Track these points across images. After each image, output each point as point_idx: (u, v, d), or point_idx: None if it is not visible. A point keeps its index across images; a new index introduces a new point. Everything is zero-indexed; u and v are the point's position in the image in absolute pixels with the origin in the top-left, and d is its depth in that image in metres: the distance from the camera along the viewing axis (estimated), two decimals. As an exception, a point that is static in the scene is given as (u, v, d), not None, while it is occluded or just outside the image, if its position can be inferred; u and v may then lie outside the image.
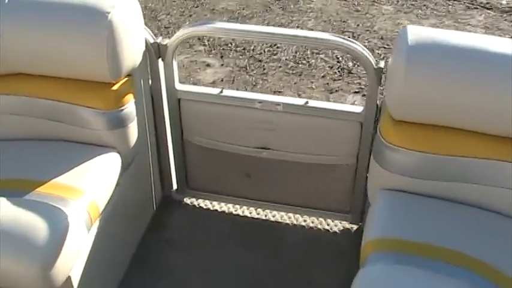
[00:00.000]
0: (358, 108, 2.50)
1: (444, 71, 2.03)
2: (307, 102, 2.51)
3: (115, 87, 2.33)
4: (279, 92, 4.20)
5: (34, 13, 2.27)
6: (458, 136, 2.14)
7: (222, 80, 4.35)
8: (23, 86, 2.38)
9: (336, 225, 2.85)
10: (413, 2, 5.35)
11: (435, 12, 5.20)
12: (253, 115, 2.58)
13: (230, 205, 2.96)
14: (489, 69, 2.01)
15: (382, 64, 2.34)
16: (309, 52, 4.57)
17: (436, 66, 2.03)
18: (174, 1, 5.41)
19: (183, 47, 4.69)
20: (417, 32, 2.09)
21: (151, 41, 2.51)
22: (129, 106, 2.39)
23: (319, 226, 2.85)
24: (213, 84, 4.30)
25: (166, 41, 2.50)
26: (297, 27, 4.96)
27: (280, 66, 4.46)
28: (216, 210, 2.95)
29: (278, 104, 2.52)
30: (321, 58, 4.50)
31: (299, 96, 4.16)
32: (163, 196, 2.97)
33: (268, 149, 2.67)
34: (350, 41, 2.36)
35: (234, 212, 2.93)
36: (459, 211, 2.18)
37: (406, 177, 2.19)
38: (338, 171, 2.66)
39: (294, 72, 4.41)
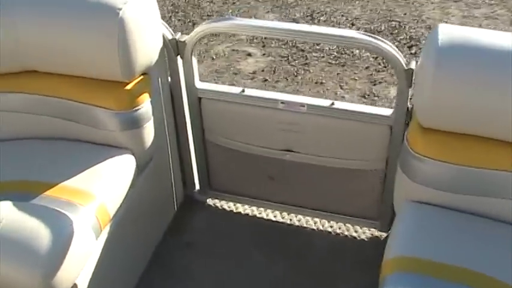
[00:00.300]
0: (388, 111, 2.35)
1: (478, 75, 1.85)
2: (333, 104, 2.38)
3: (129, 87, 2.24)
4: (321, 83, 4.07)
5: (46, 8, 2.19)
6: (492, 147, 1.97)
7: (262, 70, 4.24)
8: (35, 83, 2.31)
9: (364, 232, 2.71)
10: (464, -10, 5.14)
11: (487, 0, 4.97)
12: (277, 116, 2.46)
13: (254, 207, 2.85)
14: None
15: (413, 65, 2.18)
16: (353, 42, 4.42)
17: (469, 70, 1.86)
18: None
19: (225, 36, 4.60)
20: (449, 32, 1.92)
21: (170, 37, 2.41)
22: (145, 106, 2.30)
23: (346, 233, 2.72)
24: (254, 74, 4.20)
25: (184, 38, 2.40)
26: (342, 16, 4.81)
27: (323, 57, 4.32)
28: (240, 212, 2.84)
29: (302, 105, 2.39)
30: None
31: (341, 87, 4.02)
32: (186, 196, 2.88)
33: (293, 151, 2.55)
34: (378, 39, 2.21)
35: (258, 215, 2.82)
36: (489, 228, 2.03)
37: (434, 190, 2.04)
38: (366, 176, 2.52)
39: (336, 62, 4.27)
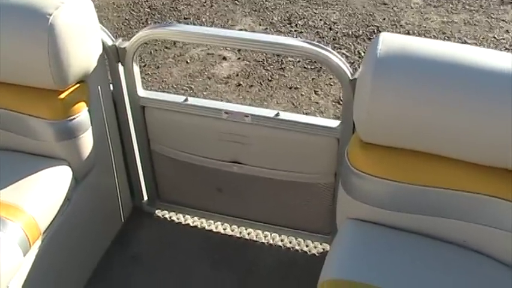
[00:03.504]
0: (334, 123, 2.25)
1: (417, 87, 1.73)
2: (277, 114, 2.29)
3: (63, 95, 2.15)
4: (296, 88, 3.99)
5: None
6: (436, 164, 1.86)
7: (237, 75, 4.15)
8: None
9: (316, 246, 2.62)
10: (443, -5, 5.04)
11: (467, 6, 4.87)
12: (221, 126, 2.37)
13: (203, 220, 2.75)
14: (473, 87, 1.70)
15: (358, 75, 2.08)
16: (330, 46, 4.33)
17: (408, 82, 1.74)
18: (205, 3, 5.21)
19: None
20: (390, 42, 1.80)
21: (110, 43, 2.31)
22: (81, 115, 2.21)
23: (297, 247, 2.62)
24: (228, 78, 4.11)
25: (125, 44, 2.30)
26: (320, 20, 4.72)
27: (298, 61, 4.24)
28: (188, 224, 2.75)
29: (246, 115, 2.30)
30: (342, 53, 4.25)
31: (315, 93, 3.93)
32: (134, 207, 2.79)
33: (240, 163, 2.45)
34: (322, 48, 2.11)
35: (207, 228, 2.72)
36: (432, 248, 1.93)
37: (375, 208, 1.94)
38: (316, 190, 2.43)
39: (312, 67, 4.18)
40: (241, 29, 4.67)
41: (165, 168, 2.64)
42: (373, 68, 1.76)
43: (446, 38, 4.44)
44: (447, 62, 1.74)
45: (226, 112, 2.32)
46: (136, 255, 2.61)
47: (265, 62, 4.25)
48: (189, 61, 4.30)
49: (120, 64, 2.35)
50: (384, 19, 4.70)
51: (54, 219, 2.14)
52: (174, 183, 2.68)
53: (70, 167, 2.23)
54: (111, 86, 2.42)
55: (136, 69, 2.35)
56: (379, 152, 1.90)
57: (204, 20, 4.80)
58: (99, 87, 2.31)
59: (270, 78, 4.10)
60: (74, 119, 2.19)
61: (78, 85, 2.20)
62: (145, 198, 2.79)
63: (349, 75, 2.10)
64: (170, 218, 2.78)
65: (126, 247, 2.63)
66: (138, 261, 2.59)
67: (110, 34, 2.32)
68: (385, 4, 4.93)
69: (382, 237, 1.95)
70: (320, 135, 2.27)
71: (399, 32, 4.50)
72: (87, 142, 2.26)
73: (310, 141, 2.30)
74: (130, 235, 2.69)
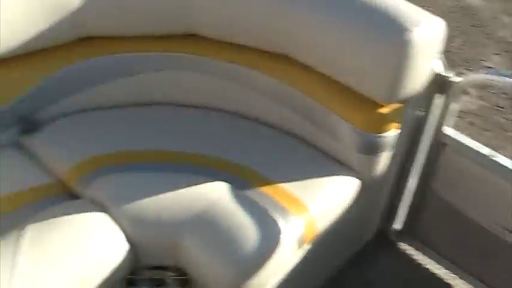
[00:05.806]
0: None
1: None
2: None
3: (383, 111, 2.05)
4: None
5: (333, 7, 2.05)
6: None
7: (472, 113, 3.93)
8: (291, 75, 2.21)
9: None
10: None
11: None
12: None
13: (448, 271, 2.57)
14: None
15: None
16: None
17: None
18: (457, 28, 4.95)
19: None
20: None
21: (439, 71, 2.18)
22: (390, 135, 2.10)
23: None
24: (462, 112, 3.87)
25: (458, 79, 2.16)
26: None
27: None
28: (429, 269, 2.58)
29: None
30: None
31: None
32: (377, 230, 2.67)
33: None
34: None
35: (446, 281, 2.54)
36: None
37: None
38: None
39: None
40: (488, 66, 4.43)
41: (437, 210, 2.48)
42: None
43: None
44: None
45: None
46: (374, 280, 2.52)
47: (505, 110, 4.01)
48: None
49: (439, 95, 2.21)
50: None
51: (327, 226, 2.06)
52: (438, 227, 2.52)
53: (360, 180, 2.14)
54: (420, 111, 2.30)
55: (455, 107, 2.21)
56: None
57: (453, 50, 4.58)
58: (413, 112, 2.20)
59: (505, 129, 3.85)
60: (383, 137, 2.09)
61: (398, 105, 2.09)
62: (395, 227, 2.66)
63: None
64: (412, 255, 2.63)
65: (360, 270, 2.54)
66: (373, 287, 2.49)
67: (445, 63, 2.19)
68: None
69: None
70: None
71: None
72: (382, 162, 2.17)
73: None
74: (368, 259, 2.59)
